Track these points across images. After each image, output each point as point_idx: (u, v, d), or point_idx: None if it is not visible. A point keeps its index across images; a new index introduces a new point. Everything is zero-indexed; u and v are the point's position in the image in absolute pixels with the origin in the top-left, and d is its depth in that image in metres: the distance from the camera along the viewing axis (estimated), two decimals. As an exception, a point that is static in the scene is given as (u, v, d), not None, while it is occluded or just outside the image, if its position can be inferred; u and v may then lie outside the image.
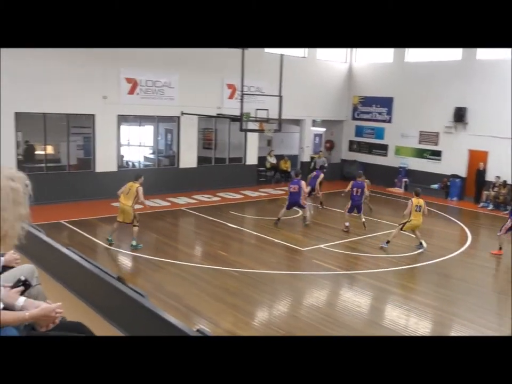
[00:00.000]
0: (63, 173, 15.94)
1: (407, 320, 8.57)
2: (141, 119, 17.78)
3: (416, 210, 11.91)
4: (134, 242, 11.40)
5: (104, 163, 16.56)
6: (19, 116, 14.73)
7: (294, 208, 14.79)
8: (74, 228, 12.77)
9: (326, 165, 20.66)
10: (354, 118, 23.51)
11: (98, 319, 5.76)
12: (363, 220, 13.80)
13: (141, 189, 11.20)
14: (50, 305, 2.62)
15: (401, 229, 12.18)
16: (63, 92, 14.99)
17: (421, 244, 12.32)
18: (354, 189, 13.90)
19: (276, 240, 12.55)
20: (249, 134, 19.10)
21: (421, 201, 12.05)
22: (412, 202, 11.99)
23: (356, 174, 21.56)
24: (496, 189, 18.17)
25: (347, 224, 13.70)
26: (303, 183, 14.33)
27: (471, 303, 9.26)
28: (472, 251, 12.89)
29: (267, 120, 16.43)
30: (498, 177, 18.14)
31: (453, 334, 8.15)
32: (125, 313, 5.79)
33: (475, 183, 19.01)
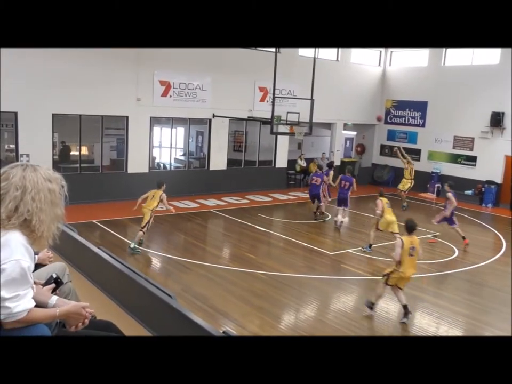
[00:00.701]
0: (96, 173, 16.28)
1: (437, 328, 8.40)
2: (173, 121, 17.99)
3: (388, 208, 12.21)
4: (132, 245, 11.19)
5: (136, 164, 16.83)
6: (56, 117, 15.12)
7: (325, 212, 14.73)
8: (106, 228, 13.01)
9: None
10: (386, 122, 23.21)
11: (128, 319, 5.85)
12: (339, 217, 14.25)
13: (165, 196, 11.39)
14: (80, 302, 2.66)
15: (376, 228, 12.24)
16: (98, 94, 15.32)
17: (370, 245, 12.27)
18: (342, 182, 14.35)
19: (304, 244, 12.49)
20: (279, 137, 19.09)
21: (385, 200, 12.35)
22: (381, 201, 12.14)
23: (388, 179, 21.32)
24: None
25: (335, 219, 14.30)
26: (325, 177, 15.06)
27: (505, 312, 8.99)
28: (507, 259, 12.52)
29: (298, 123, 16.39)
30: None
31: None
32: (154, 313, 5.87)
33: (511, 189, 18.48)
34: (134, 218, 14.17)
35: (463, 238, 12.97)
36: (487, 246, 13.82)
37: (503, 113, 18.77)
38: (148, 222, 11.41)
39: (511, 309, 8.01)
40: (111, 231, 12.73)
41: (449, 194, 13.05)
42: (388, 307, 9.14)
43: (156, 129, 19.01)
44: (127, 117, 16.42)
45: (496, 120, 18.85)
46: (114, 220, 13.87)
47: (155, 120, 17.65)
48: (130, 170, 16.79)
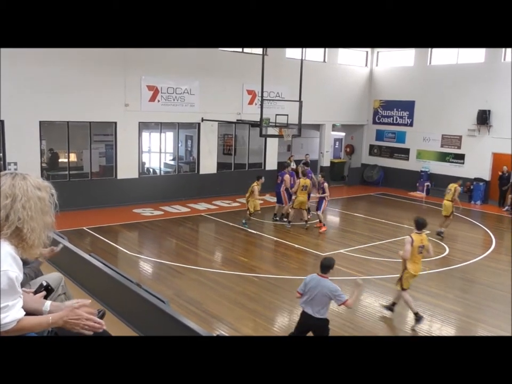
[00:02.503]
0: (85, 180, 16.18)
1: (430, 326, 8.44)
2: (162, 126, 17.95)
3: (302, 190, 13.86)
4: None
5: (126, 170, 16.76)
6: (43, 124, 15.02)
7: (313, 212, 14.74)
8: (97, 235, 12.93)
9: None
10: (375, 122, 23.35)
11: (121, 325, 5.81)
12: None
13: (256, 188, 13.72)
14: (72, 303, 2.55)
15: (292, 206, 14.15)
16: (86, 100, 15.24)
17: (289, 222, 14.17)
18: (280, 177, 15.24)
19: (296, 246, 12.51)
20: (269, 139, 19.12)
21: (308, 181, 14.09)
22: (299, 181, 14.00)
23: (378, 179, 21.44)
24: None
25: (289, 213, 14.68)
26: (286, 176, 15.19)
27: (497, 309, 9.06)
28: (497, 255, 12.64)
29: (287, 125, 16.42)
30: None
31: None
32: (147, 319, 5.84)
33: (499, 186, 18.67)
34: (125, 224, 14.12)
35: (324, 225, 14.11)
36: (477, 243, 13.93)
37: (489, 111, 18.95)
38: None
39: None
40: (102, 238, 12.65)
41: (325, 185, 14.17)
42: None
43: (145, 135, 18.95)
44: (115, 123, 16.34)
45: (483, 118, 19.03)
46: (105, 227, 13.79)
47: (144, 125, 17.60)
48: (120, 176, 16.71)
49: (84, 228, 13.42)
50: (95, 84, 15.41)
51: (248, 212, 14.02)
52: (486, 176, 19.43)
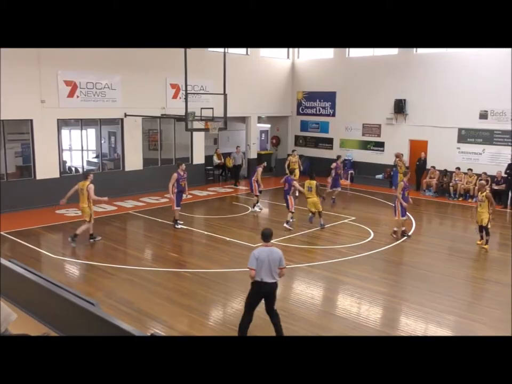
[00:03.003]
0: (1, 182, 15.22)
1: (359, 308, 8.78)
2: (82, 123, 17.25)
3: (308, 191, 13.88)
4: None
5: (45, 170, 15.97)
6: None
7: (245, 205, 14.82)
8: (17, 239, 12.24)
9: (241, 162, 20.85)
10: (299, 113, 23.82)
11: (47, 331, 5.54)
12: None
13: (91, 187, 11.72)
14: None
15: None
16: (-3, 97, 14.31)
17: (322, 225, 13.78)
18: (287, 184, 14.86)
19: (227, 239, 12.53)
20: (195, 133, 18.96)
21: (312, 183, 13.87)
22: (304, 184, 14.12)
23: (304, 168, 21.89)
24: (432, 177, 18.97)
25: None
26: (259, 169, 15.87)
27: (420, 287, 9.58)
28: (417, 237, 13.36)
29: (212, 119, 16.35)
30: (433, 167, 18.97)
31: (403, 317, 8.41)
32: (76, 323, 5.61)
33: (416, 171, 19.72)
34: (47, 227, 13.48)
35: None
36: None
37: (404, 100, 19.93)
38: (91, 215, 11.94)
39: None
40: (23, 242, 11.99)
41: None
42: (313, 293, 9.42)
43: (65, 132, 18.14)
44: (31, 120, 15.50)
45: (399, 107, 19.99)
46: (25, 230, 13.08)
47: (63, 122, 16.84)
48: (39, 177, 15.89)
49: (2, 232, 12.64)
50: (7, 80, 14.49)
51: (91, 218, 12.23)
52: (405, 162, 20.42)
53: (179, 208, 13.73)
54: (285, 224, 13.74)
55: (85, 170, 18.01)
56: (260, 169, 16.14)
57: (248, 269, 6.97)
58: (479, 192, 12.36)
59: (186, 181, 14.00)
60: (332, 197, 17.12)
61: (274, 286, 6.99)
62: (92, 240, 12.17)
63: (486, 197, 11.89)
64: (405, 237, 12.89)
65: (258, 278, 6.90)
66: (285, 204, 14.22)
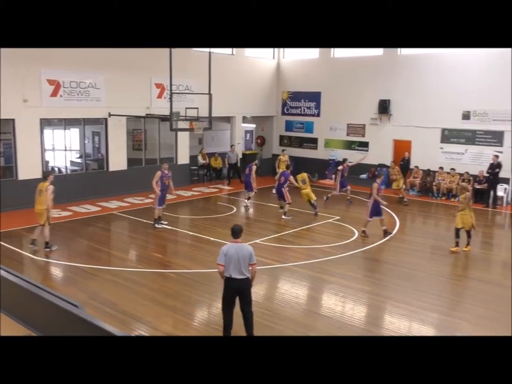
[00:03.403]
0: (-18, 182, 15.00)
1: (343, 306, 8.83)
2: (65, 122, 17.07)
3: (302, 184, 15.04)
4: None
5: (28, 170, 15.75)
6: None
7: (230, 205, 14.81)
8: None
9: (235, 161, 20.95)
10: (284, 113, 23.87)
11: (29, 334, 5.46)
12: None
13: (50, 189, 11.11)
14: None
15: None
16: (-22, 97, 14.10)
17: (316, 213, 15.12)
18: (283, 177, 15.35)
19: (212, 239, 12.50)
20: (179, 133, 18.87)
21: (304, 175, 15.19)
22: (297, 177, 15.12)
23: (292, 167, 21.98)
24: (416, 176, 19.15)
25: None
26: (253, 167, 16.16)
27: (404, 286, 9.67)
28: (401, 236, 13.48)
29: (197, 119, 16.30)
30: (416, 166, 19.17)
31: (387, 316, 8.48)
32: (59, 325, 5.54)
33: (401, 171, 19.87)
34: (29, 228, 13.29)
35: None
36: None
37: (389, 100, 20.08)
38: (48, 217, 11.23)
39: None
40: (4, 244, 11.82)
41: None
42: (297, 292, 9.45)
43: (48, 132, 17.92)
44: (13, 120, 15.29)
45: (384, 107, 20.15)
46: (6, 232, 12.89)
47: (46, 122, 16.64)
48: (21, 177, 15.68)
49: (-17, 234, 12.46)
50: (-12, 79, 14.29)
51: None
52: (389, 162, 20.56)
53: (161, 207, 13.65)
54: (283, 216, 14.76)
55: (68, 170, 17.83)
56: (254, 167, 16.50)
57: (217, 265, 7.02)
58: (461, 194, 12.31)
59: (172, 180, 13.93)
60: (347, 198, 17.33)
61: (245, 282, 6.95)
62: (47, 250, 11.20)
63: (464, 199, 11.70)
64: (388, 236, 12.96)
65: (227, 274, 6.91)
66: (278, 198, 15.31)
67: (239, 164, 21.13)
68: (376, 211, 12.78)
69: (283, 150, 20.80)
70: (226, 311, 7.11)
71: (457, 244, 11.71)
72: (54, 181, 16.50)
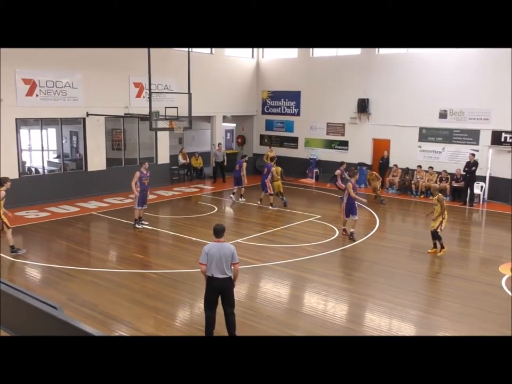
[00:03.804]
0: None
1: (325, 305, 8.87)
2: (42, 122, 16.79)
3: (277, 175, 16.25)
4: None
5: (4, 170, 15.35)
6: None
7: (211, 205, 14.76)
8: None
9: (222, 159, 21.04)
10: (264, 113, 23.89)
11: (7, 337, 5.35)
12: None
13: (2, 193, 10.76)
14: None
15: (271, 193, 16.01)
16: (-49, 96, 13.78)
17: (285, 203, 16.03)
18: (266, 169, 16.41)
19: (193, 239, 12.43)
20: (159, 133, 18.74)
21: (279, 169, 16.45)
22: (274, 170, 16.18)
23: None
24: (395, 175, 19.37)
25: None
26: (273, 169, 16.37)
27: (385, 283, 9.75)
28: (381, 234, 13.61)
29: (177, 118, 16.20)
30: (395, 165, 19.38)
31: (368, 313, 8.55)
32: (37, 328, 5.44)
33: (378, 170, 20.08)
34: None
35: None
36: (363, 223, 14.84)
37: (367, 99, 20.26)
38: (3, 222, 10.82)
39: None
40: (-20, 246, 11.56)
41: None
42: (279, 291, 9.46)
43: (24, 132, 17.61)
44: (-12, 120, 14.99)
45: (362, 107, 20.31)
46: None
47: (21, 122, 16.34)
48: (-3, 177, 15.35)
49: (-42, 236, 12.17)
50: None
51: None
52: (368, 160, 20.80)
53: (142, 208, 13.53)
54: (270, 207, 15.77)
55: (45, 170, 17.55)
56: (244, 164, 16.99)
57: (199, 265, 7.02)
58: (431, 196, 12.02)
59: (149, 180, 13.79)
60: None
61: (227, 281, 6.94)
62: (13, 253, 10.97)
63: (438, 200, 11.30)
64: (351, 239, 12.56)
65: (209, 274, 6.91)
66: (262, 189, 16.28)
67: (225, 163, 21.08)
68: (350, 210, 12.66)
69: (270, 146, 21.74)
70: (208, 311, 7.07)
71: (434, 246, 11.66)
72: (30, 181, 16.28)
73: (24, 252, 11.18)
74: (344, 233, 12.90)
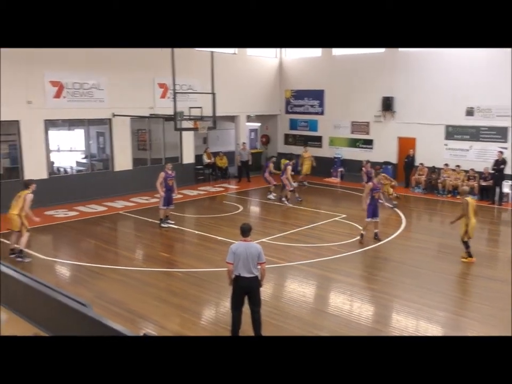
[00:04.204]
0: (-12, 183, 15.04)
1: (351, 305, 8.82)
2: (70, 123, 17.12)
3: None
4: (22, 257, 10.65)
5: (34, 171, 15.80)
6: None
7: (235, 204, 14.83)
8: (6, 241, 12.11)
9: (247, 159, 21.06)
10: (287, 112, 23.85)
11: (37, 332, 5.49)
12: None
13: (29, 197, 10.67)
14: None
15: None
16: (-17, 98, 14.15)
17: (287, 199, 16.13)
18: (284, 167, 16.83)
19: (219, 238, 12.51)
20: (184, 132, 18.89)
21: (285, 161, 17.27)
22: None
23: (293, 166, 22.02)
24: (421, 174, 19.10)
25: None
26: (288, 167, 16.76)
27: (411, 284, 9.64)
28: (407, 233, 13.45)
29: (201, 118, 16.31)
30: (421, 164, 19.10)
31: (394, 314, 8.48)
32: (67, 324, 5.57)
33: (404, 168, 19.86)
34: (37, 228, 13.33)
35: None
36: (389, 223, 14.71)
37: (392, 97, 20.04)
38: (23, 224, 10.64)
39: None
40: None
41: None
42: (304, 291, 9.45)
43: (52, 133, 17.98)
44: (18, 122, 15.35)
45: (387, 105, 20.10)
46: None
47: (50, 123, 16.69)
48: (27, 178, 15.71)
49: (-9, 235, 12.51)
50: (-7, 81, 14.34)
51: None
52: (393, 159, 20.57)
53: (168, 208, 13.65)
54: (283, 199, 16.38)
55: (73, 170, 17.90)
56: (271, 164, 17.44)
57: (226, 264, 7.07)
58: (458, 195, 11.27)
59: (175, 180, 13.93)
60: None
61: (254, 281, 6.97)
62: (19, 259, 10.52)
63: (462, 204, 10.67)
64: (360, 239, 12.22)
65: (236, 273, 6.94)
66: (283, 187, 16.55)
67: (250, 162, 21.12)
68: (374, 211, 12.26)
69: (305, 146, 21.59)
70: (235, 310, 7.12)
71: (469, 255, 10.85)
72: (59, 181, 16.61)
73: (29, 260, 10.77)
74: (361, 239, 12.22)
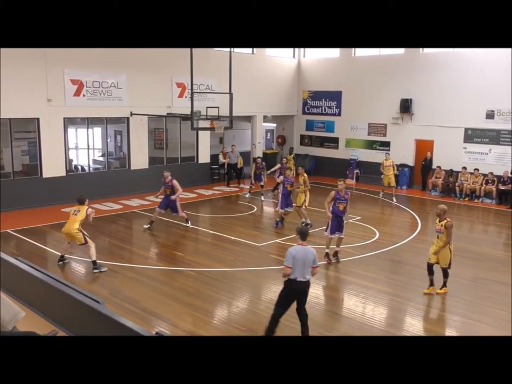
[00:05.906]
0: (7, 180, 15.30)
1: (364, 307, 8.77)
2: (88, 121, 17.33)
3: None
4: (97, 269, 10.24)
5: (52, 168, 16.05)
6: (-43, 123, 14.05)
7: (249, 204, 14.83)
8: (23, 237, 12.32)
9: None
10: (304, 113, 23.80)
11: (54, 329, 5.57)
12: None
13: (92, 212, 10.63)
14: None
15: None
16: (5, 96, 14.38)
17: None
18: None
19: (232, 238, 12.54)
20: (200, 132, 18.98)
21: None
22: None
23: (309, 168, 21.94)
24: (438, 177, 18.89)
25: None
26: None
27: (425, 288, 9.53)
28: (423, 237, 13.32)
29: (218, 118, 16.37)
30: (439, 167, 18.90)
31: (408, 317, 8.40)
32: (81, 320, 5.65)
33: (421, 171, 19.67)
34: (53, 225, 13.54)
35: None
36: (404, 226, 14.61)
37: (410, 99, 19.86)
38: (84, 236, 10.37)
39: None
40: (29, 240, 12.06)
41: (175, 182, 13.29)
42: (317, 292, 9.42)
43: (71, 130, 18.22)
44: (38, 119, 15.59)
45: (405, 107, 19.92)
46: (31, 228, 13.15)
47: (69, 121, 16.91)
48: (45, 175, 15.98)
49: (8, 230, 12.73)
50: (14, 79, 14.58)
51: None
52: (410, 162, 20.40)
53: (160, 210, 13.34)
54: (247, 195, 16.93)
55: (91, 168, 18.10)
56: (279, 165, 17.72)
57: (283, 267, 7.07)
58: (437, 220, 9.34)
59: (178, 183, 13.57)
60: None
61: (307, 285, 7.10)
62: (96, 271, 10.13)
63: (446, 227, 9.06)
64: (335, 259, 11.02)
65: (292, 277, 6.96)
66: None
67: (240, 165, 20.48)
68: (336, 226, 10.97)
69: (386, 153, 19.28)
70: (281, 310, 7.17)
71: (431, 283, 9.23)
72: (77, 179, 16.82)
73: (106, 269, 10.26)
74: (328, 259, 10.88)
